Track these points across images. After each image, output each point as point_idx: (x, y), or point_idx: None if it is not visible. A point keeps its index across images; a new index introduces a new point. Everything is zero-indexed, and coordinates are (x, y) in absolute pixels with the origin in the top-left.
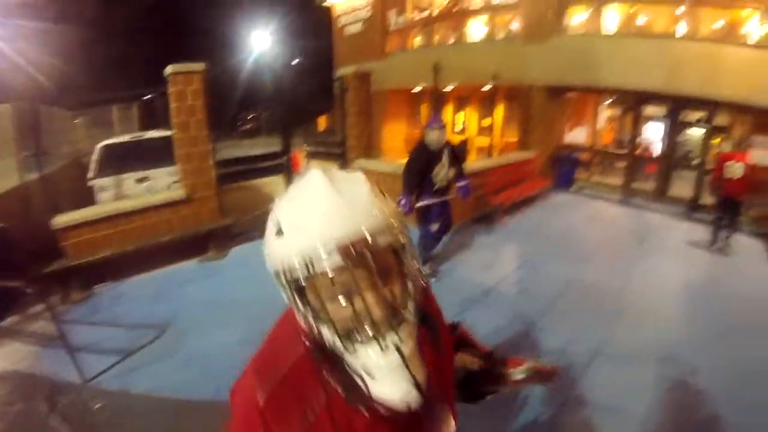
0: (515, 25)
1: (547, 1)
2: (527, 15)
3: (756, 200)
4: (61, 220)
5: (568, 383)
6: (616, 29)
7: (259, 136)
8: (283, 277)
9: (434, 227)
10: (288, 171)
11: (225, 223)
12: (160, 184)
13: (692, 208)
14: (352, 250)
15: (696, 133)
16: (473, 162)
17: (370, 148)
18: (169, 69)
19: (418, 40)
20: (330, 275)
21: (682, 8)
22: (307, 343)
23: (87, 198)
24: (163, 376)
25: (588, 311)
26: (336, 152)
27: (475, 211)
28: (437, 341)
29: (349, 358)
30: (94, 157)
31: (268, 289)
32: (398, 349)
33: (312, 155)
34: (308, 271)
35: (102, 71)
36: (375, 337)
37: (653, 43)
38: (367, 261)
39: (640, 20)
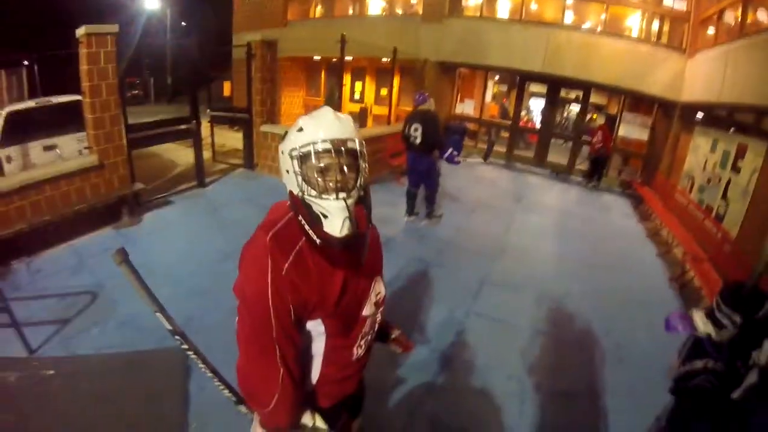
0: (414, 2)
1: None
2: None
3: (622, 166)
4: None
5: (466, 303)
6: (508, 15)
7: (147, 104)
8: (295, 152)
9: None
10: (197, 135)
11: (137, 189)
12: (68, 151)
13: (566, 171)
14: (337, 143)
15: (574, 109)
16: (372, 128)
17: (273, 114)
18: (81, 30)
19: (319, 11)
20: (321, 154)
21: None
22: (293, 199)
23: None
24: (104, 338)
25: (475, 251)
26: (240, 117)
27: (374, 174)
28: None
29: (316, 205)
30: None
31: (186, 250)
32: (345, 201)
33: (215, 120)
34: (312, 149)
35: None
36: (334, 191)
37: (538, 29)
38: (342, 152)
39: (533, 7)
